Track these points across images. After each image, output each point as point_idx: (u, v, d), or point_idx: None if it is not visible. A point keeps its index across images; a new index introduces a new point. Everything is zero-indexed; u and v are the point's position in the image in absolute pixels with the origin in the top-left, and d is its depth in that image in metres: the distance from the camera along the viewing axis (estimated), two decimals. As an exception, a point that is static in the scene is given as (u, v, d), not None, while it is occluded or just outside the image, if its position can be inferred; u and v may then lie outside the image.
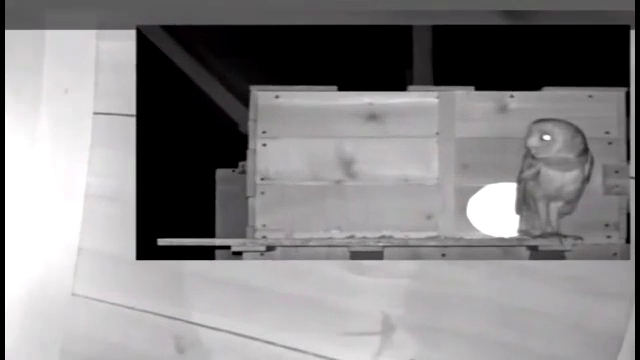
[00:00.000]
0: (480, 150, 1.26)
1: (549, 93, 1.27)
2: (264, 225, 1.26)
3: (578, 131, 1.17)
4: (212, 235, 1.35)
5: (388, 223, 1.25)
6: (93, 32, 1.40)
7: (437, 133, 1.26)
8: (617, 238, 1.24)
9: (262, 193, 1.26)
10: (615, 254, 1.23)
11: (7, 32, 1.37)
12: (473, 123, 1.26)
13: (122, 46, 1.36)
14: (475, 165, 1.26)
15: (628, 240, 1.22)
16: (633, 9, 1.06)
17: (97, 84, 1.41)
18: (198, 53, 1.54)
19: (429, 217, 1.25)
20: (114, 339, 1.41)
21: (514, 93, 1.27)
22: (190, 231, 1.29)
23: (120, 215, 1.37)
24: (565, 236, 1.20)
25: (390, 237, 1.25)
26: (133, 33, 1.33)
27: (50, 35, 1.43)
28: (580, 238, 1.21)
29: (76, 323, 1.43)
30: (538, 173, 1.18)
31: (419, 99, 1.27)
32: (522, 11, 1.14)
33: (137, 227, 1.34)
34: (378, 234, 1.25)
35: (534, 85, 1.27)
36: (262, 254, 1.23)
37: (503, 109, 1.26)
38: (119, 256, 1.38)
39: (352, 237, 1.25)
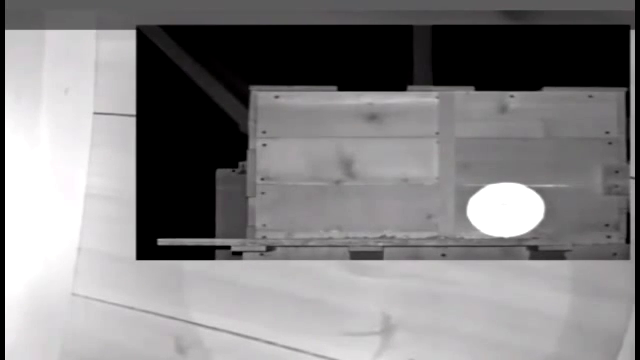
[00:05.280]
0: (480, 150, 1.26)
1: (549, 93, 1.27)
2: (264, 225, 1.26)
3: None
4: (212, 235, 1.35)
5: (388, 223, 1.25)
6: (93, 32, 1.40)
7: (437, 133, 1.26)
8: (617, 238, 1.24)
9: (262, 193, 1.26)
10: (615, 254, 1.23)
11: (7, 32, 1.37)
12: (473, 123, 1.26)
13: (122, 46, 1.36)
14: (475, 165, 1.26)
15: (628, 240, 1.22)
16: (633, 9, 1.06)
17: (97, 84, 1.41)
18: (198, 53, 1.54)
19: (429, 217, 1.25)
20: (114, 339, 1.41)
21: (514, 93, 1.27)
22: (190, 231, 1.29)
23: (120, 215, 1.37)
24: None
25: (390, 237, 1.25)
26: (133, 33, 1.33)
27: (50, 35, 1.43)
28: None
29: (76, 323, 1.43)
30: None
31: (419, 99, 1.27)
32: (522, 11, 1.14)
33: (137, 227, 1.34)
34: (378, 234, 1.25)
35: (534, 85, 1.27)
36: (262, 254, 1.23)
37: (503, 109, 1.26)
38: (119, 256, 1.38)
39: (352, 237, 1.25)
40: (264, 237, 1.25)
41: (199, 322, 1.33)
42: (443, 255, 1.24)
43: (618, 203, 1.25)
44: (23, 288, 1.44)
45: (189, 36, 1.52)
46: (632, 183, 1.11)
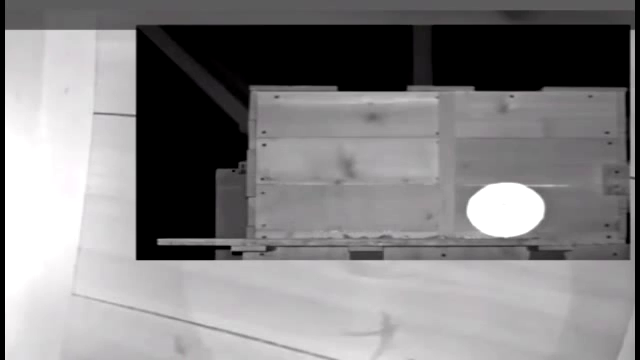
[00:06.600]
0: (480, 150, 1.26)
1: (549, 93, 1.27)
2: (264, 225, 1.26)
3: None
4: (212, 235, 1.35)
5: (388, 223, 1.25)
6: (93, 32, 1.40)
7: (437, 133, 1.26)
8: (617, 238, 1.24)
9: (262, 193, 1.26)
10: (615, 254, 1.24)
11: (7, 32, 1.37)
12: (473, 123, 1.26)
13: (122, 46, 1.36)
14: (475, 165, 1.26)
15: (628, 240, 1.22)
16: (633, 9, 1.06)
17: (97, 84, 1.41)
18: (198, 53, 1.54)
19: (429, 217, 1.25)
20: (114, 339, 1.41)
21: (514, 93, 1.27)
22: (190, 231, 1.29)
23: (120, 215, 1.37)
24: None
25: (390, 237, 1.25)
26: (133, 33, 1.33)
27: (50, 35, 1.43)
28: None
29: (76, 323, 1.43)
30: None
31: (419, 99, 1.27)
32: (522, 11, 1.14)
33: (137, 227, 1.34)
34: (378, 234, 1.25)
35: (534, 85, 1.27)
36: (262, 254, 1.23)
37: (503, 109, 1.26)
38: (119, 256, 1.38)
39: (352, 237, 1.25)
40: (264, 237, 1.25)
41: (199, 322, 1.33)
42: (443, 255, 1.24)
43: (618, 203, 1.25)
44: (23, 288, 1.44)
45: (189, 36, 1.53)
46: (632, 183, 1.11)
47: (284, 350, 1.26)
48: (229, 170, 1.37)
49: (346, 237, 1.25)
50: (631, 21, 1.07)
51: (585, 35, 1.38)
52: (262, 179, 1.27)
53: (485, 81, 1.29)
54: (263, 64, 1.60)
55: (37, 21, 1.41)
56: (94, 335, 1.42)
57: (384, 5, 1.20)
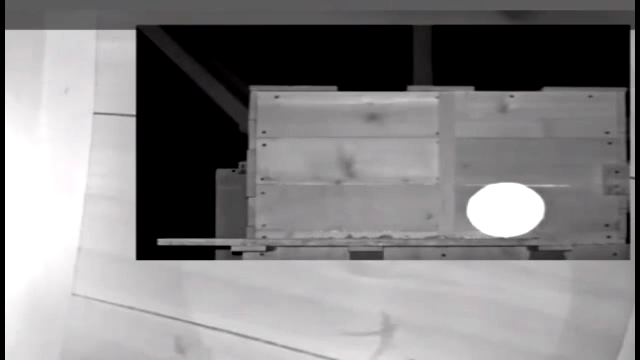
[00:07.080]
0: (480, 150, 1.26)
1: (549, 93, 1.27)
2: (264, 225, 1.26)
3: None
4: (212, 235, 1.35)
5: (388, 223, 1.25)
6: (93, 32, 1.40)
7: (437, 133, 1.26)
8: (617, 238, 1.24)
9: (262, 193, 1.26)
10: (615, 254, 1.24)
11: (7, 32, 1.37)
12: (473, 123, 1.26)
13: (122, 46, 1.36)
14: (475, 165, 1.26)
15: (628, 240, 1.22)
16: (633, 9, 1.06)
17: (97, 84, 1.41)
18: (198, 53, 1.54)
19: (429, 217, 1.25)
20: (114, 339, 1.41)
21: (514, 93, 1.27)
22: (190, 231, 1.29)
23: (120, 215, 1.37)
24: None
25: (390, 237, 1.25)
26: (133, 33, 1.33)
27: (50, 35, 1.43)
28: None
29: (76, 323, 1.43)
30: None
31: (419, 99, 1.27)
32: (522, 11, 1.14)
33: (137, 227, 1.34)
34: (378, 234, 1.25)
35: (534, 85, 1.27)
36: (262, 254, 1.23)
37: (503, 109, 1.26)
38: (119, 256, 1.38)
39: (352, 237, 1.25)
40: (264, 237, 1.25)
41: (199, 322, 1.33)
42: (443, 255, 1.24)
43: (618, 203, 1.25)
44: (23, 288, 1.44)
45: (189, 36, 1.53)
46: (632, 183, 1.11)
47: (284, 350, 1.26)
48: (229, 170, 1.37)
49: (346, 237, 1.25)
50: (631, 21, 1.07)
51: (585, 35, 1.38)
52: (262, 179, 1.27)
53: (485, 81, 1.29)
54: (263, 64, 1.60)
55: (37, 21, 1.41)
56: (94, 335, 1.42)
57: (384, 5, 1.20)
